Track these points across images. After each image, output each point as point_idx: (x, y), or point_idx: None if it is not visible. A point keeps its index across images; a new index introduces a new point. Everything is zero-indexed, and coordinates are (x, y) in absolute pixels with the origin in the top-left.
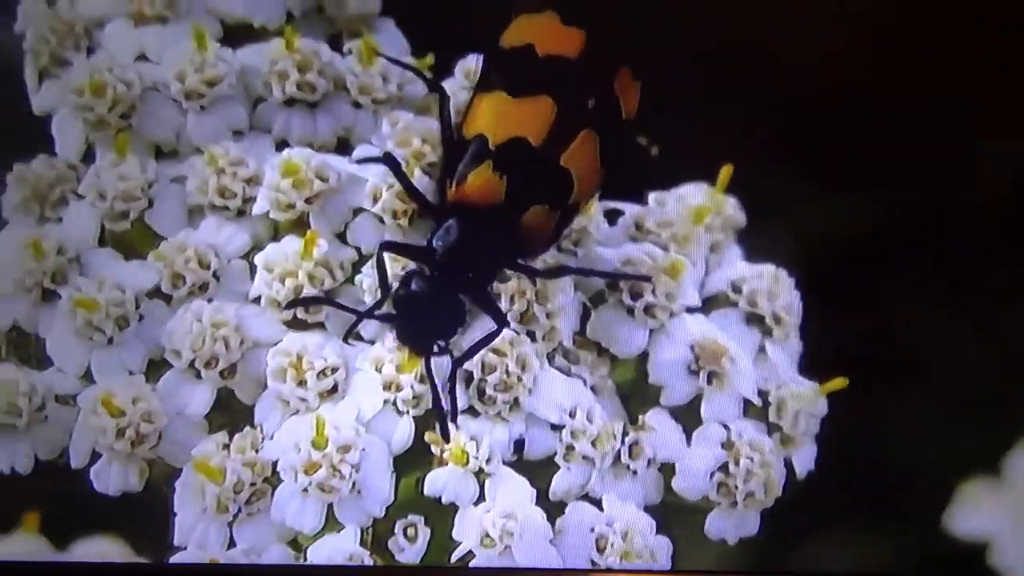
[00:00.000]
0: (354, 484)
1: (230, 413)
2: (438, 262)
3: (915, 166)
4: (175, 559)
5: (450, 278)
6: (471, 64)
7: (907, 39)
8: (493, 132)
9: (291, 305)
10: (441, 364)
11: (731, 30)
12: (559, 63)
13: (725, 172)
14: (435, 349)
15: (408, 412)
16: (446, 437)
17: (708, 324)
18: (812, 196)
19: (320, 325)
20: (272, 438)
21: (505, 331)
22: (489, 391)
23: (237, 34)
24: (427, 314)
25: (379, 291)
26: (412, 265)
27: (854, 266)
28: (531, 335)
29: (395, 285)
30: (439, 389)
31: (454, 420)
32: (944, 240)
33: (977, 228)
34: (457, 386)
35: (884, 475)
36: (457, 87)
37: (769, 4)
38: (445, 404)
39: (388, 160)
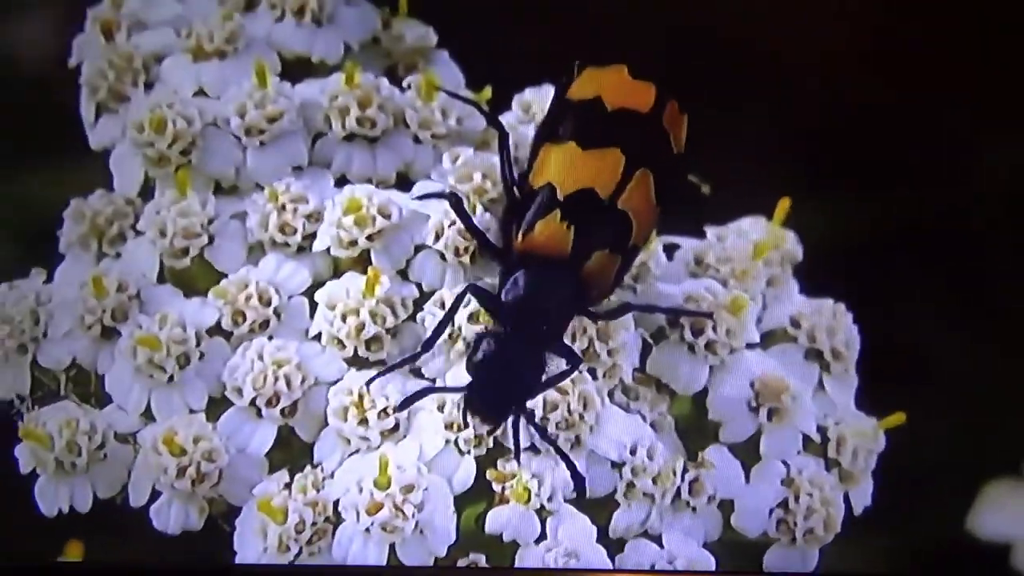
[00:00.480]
0: (417, 524)
1: (289, 450)
2: (510, 317)
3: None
4: None
5: (525, 333)
6: (528, 98)
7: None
8: (562, 182)
9: (402, 407)
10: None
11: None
12: (630, 117)
13: (783, 205)
14: (519, 413)
15: (470, 452)
16: (581, 492)
17: (768, 360)
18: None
19: (381, 363)
20: (332, 476)
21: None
22: (551, 428)
23: (295, 69)
24: (509, 376)
25: (439, 328)
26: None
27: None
28: (592, 372)
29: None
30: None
31: (518, 459)
32: (957, 244)
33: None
34: (521, 424)
35: (906, 477)
36: (515, 121)
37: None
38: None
39: (451, 199)
